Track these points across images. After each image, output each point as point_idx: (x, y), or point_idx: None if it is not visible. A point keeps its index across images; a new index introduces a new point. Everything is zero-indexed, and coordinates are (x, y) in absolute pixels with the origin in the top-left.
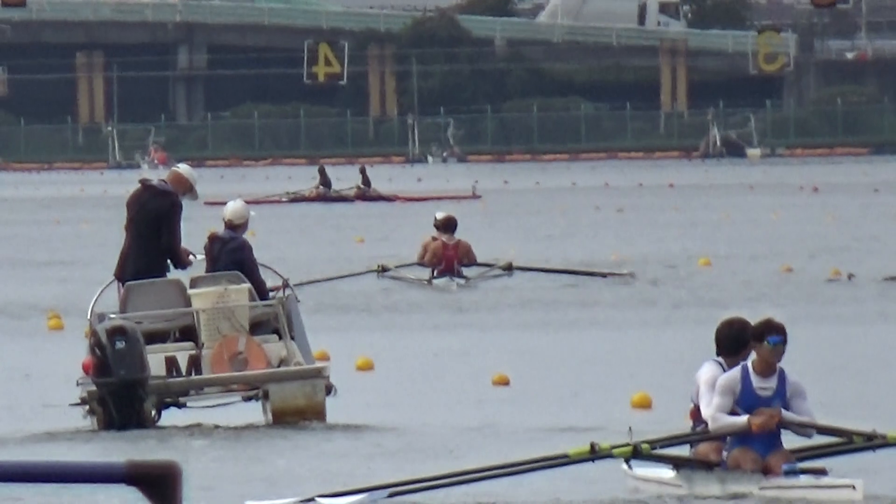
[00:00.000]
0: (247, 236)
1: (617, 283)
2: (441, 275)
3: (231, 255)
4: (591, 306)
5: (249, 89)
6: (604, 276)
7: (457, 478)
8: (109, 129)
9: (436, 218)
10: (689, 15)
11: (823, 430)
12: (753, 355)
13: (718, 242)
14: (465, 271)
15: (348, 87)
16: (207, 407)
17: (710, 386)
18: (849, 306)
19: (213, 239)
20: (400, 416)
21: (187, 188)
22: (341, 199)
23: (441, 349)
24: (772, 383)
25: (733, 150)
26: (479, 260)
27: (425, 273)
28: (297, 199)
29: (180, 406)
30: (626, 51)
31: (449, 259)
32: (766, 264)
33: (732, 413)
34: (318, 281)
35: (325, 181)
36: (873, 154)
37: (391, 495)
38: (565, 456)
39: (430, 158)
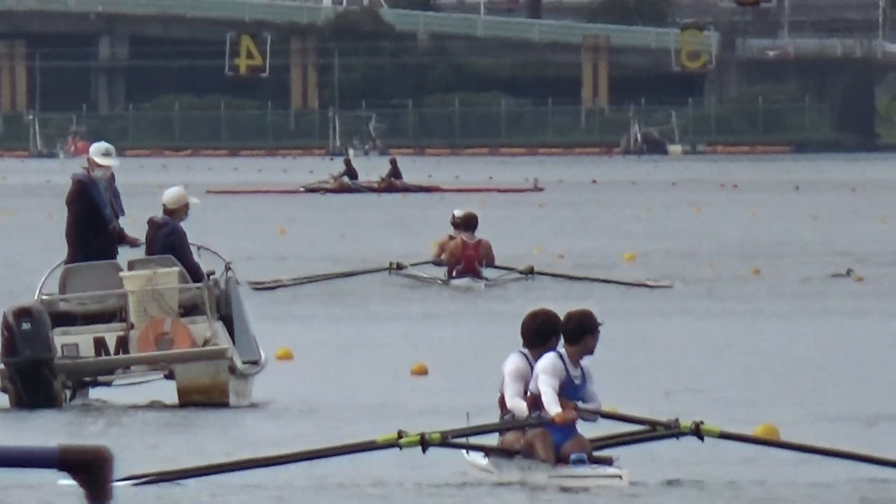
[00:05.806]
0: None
1: (650, 293)
2: (461, 275)
3: (164, 239)
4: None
5: (171, 81)
6: (631, 285)
7: (264, 463)
8: (31, 117)
9: (454, 215)
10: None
11: (621, 418)
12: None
13: (642, 238)
14: (485, 272)
15: (270, 80)
16: (131, 384)
17: (515, 377)
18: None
19: (150, 224)
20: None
21: (93, 165)
22: (366, 189)
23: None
24: (579, 371)
25: (654, 146)
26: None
27: (440, 272)
28: (315, 188)
29: (107, 384)
30: (549, 46)
31: (469, 259)
32: (692, 260)
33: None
34: (330, 277)
35: (351, 172)
36: (794, 153)
37: (201, 474)
38: (373, 442)
39: (351, 151)
